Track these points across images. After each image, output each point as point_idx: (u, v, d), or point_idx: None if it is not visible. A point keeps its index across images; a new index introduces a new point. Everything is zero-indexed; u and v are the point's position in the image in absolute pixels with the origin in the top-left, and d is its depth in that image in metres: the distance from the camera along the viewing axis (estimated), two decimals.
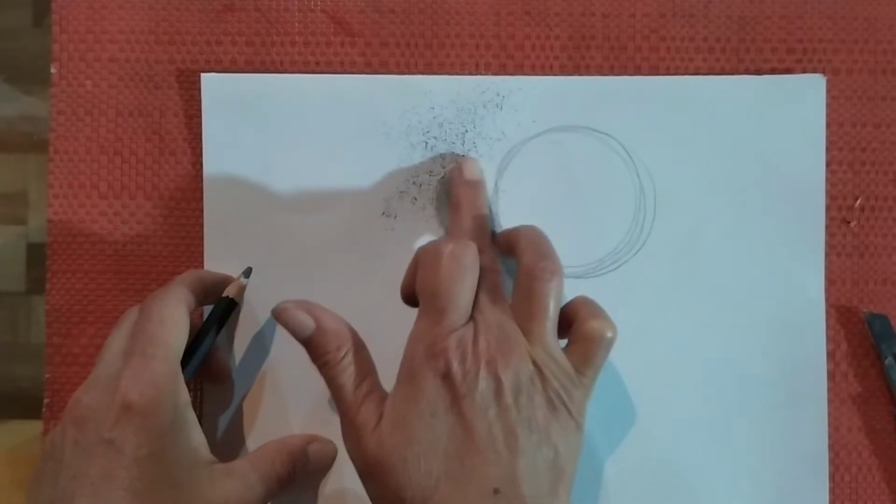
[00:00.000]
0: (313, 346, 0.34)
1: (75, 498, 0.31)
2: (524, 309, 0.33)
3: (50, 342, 0.40)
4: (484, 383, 0.31)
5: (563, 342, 0.34)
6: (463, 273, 0.33)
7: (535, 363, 0.32)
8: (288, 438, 0.36)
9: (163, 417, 0.32)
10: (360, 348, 0.34)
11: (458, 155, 0.40)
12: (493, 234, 0.38)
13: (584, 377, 0.33)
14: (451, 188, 0.39)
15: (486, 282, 0.34)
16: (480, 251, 0.35)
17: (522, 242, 0.35)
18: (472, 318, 0.33)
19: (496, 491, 0.30)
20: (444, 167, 0.40)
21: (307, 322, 0.34)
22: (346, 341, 0.34)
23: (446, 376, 0.31)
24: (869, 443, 0.39)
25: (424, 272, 0.33)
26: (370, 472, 0.32)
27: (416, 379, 0.32)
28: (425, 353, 0.32)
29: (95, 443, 0.31)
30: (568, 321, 0.34)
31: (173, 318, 0.34)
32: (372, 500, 0.32)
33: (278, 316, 0.34)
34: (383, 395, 0.33)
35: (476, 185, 0.38)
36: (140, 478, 0.31)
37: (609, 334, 0.33)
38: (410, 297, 0.35)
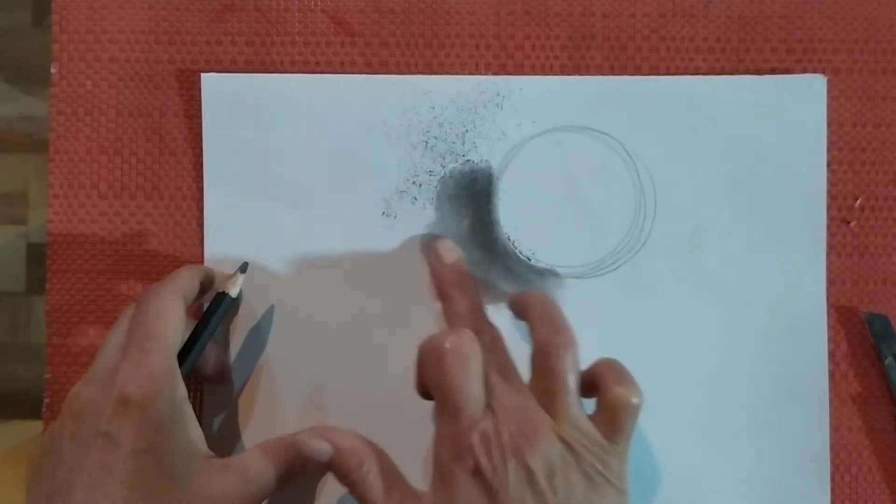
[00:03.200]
0: (336, 468, 0.34)
1: (73, 490, 0.31)
2: (544, 387, 0.33)
3: (50, 342, 0.40)
4: (514, 474, 0.31)
5: (592, 402, 0.34)
6: (466, 365, 0.33)
7: (563, 441, 0.32)
8: (288, 436, 0.36)
9: (160, 411, 0.32)
10: (381, 458, 0.34)
11: (428, 237, 0.39)
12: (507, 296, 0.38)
13: (617, 445, 0.33)
14: (432, 275, 0.38)
15: (494, 363, 0.34)
16: (479, 332, 0.34)
17: (534, 314, 0.35)
18: (488, 406, 0.33)
19: None
20: (444, 167, 0.40)
21: (324, 447, 0.34)
22: (366, 457, 0.34)
23: (476, 473, 0.31)
24: (869, 443, 0.39)
25: (429, 373, 0.33)
26: None
27: (449, 482, 0.32)
28: (451, 454, 0.32)
29: (93, 436, 0.32)
30: (593, 384, 0.34)
31: (169, 313, 0.34)
32: None
33: (299, 452, 0.34)
34: (416, 496, 0.33)
35: (457, 266, 0.38)
36: (137, 470, 0.31)
37: (635, 400, 0.33)
38: (426, 394, 0.35)
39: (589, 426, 0.33)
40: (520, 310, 0.37)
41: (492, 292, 0.39)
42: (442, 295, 0.37)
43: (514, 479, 0.31)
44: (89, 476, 0.31)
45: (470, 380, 0.32)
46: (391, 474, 0.34)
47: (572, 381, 0.33)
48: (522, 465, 0.31)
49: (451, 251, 0.38)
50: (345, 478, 0.34)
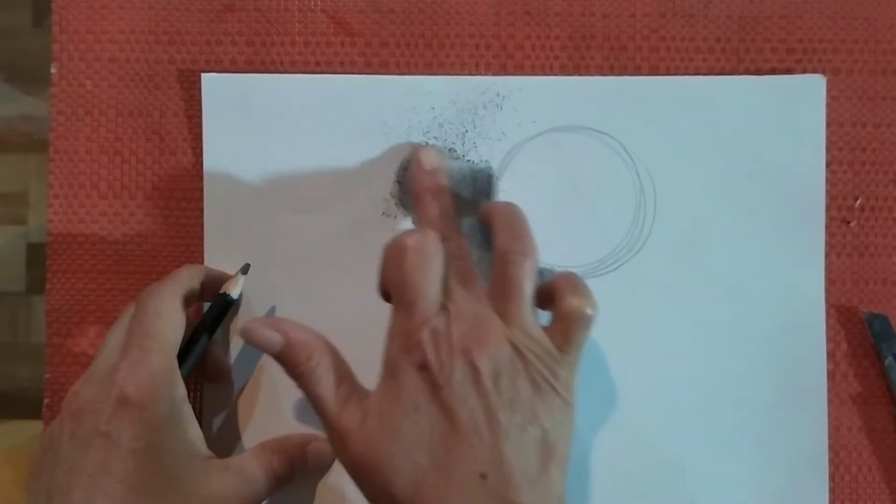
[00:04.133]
0: (284, 359, 0.33)
1: (72, 490, 0.31)
2: (500, 293, 0.33)
3: (50, 342, 0.40)
4: (460, 371, 0.31)
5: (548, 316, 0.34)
6: (426, 264, 0.33)
7: (513, 346, 0.32)
8: (288, 437, 0.36)
9: (159, 410, 0.32)
10: (332, 354, 0.34)
11: (413, 144, 0.39)
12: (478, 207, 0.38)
13: (568, 355, 0.33)
14: (411, 179, 0.38)
15: (455, 268, 0.34)
16: (446, 238, 0.34)
17: (496, 222, 0.35)
18: (444, 306, 0.33)
19: (483, 476, 0.30)
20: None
21: (274, 338, 0.33)
22: (316, 350, 0.33)
23: (423, 367, 0.31)
24: (869, 443, 0.39)
25: (389, 267, 0.33)
26: (360, 472, 0.32)
27: (396, 375, 0.32)
28: (400, 347, 0.32)
29: (92, 435, 0.32)
30: (550, 297, 0.34)
31: (169, 312, 0.34)
32: (367, 499, 0.32)
33: (245, 336, 0.34)
34: (364, 395, 0.33)
35: (436, 173, 0.38)
36: (136, 470, 0.31)
37: (588, 311, 0.33)
38: (387, 294, 0.35)
39: (540, 334, 0.33)
40: (486, 218, 0.36)
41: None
42: (416, 199, 0.37)
43: (459, 376, 0.31)
44: (88, 475, 0.31)
45: (428, 278, 0.32)
46: (341, 370, 0.33)
47: (527, 289, 0.33)
48: (469, 363, 0.31)
49: (431, 159, 0.38)
50: (293, 369, 0.33)
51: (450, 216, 0.37)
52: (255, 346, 0.34)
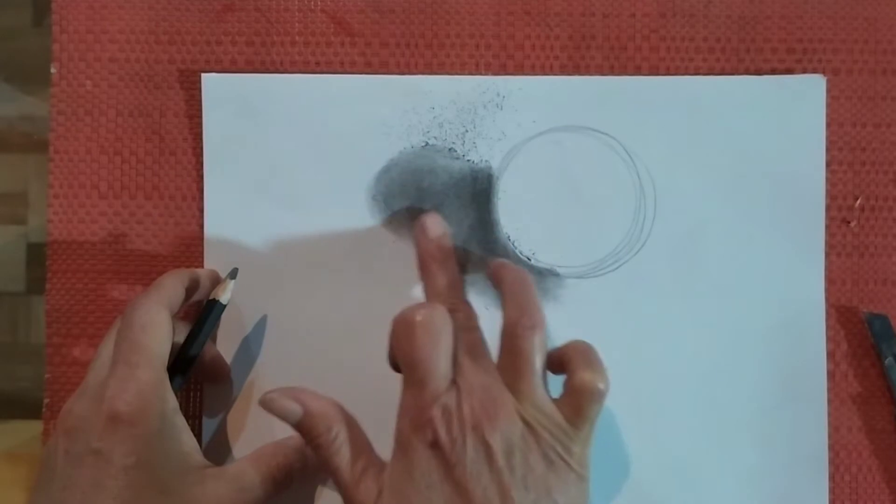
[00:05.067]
0: (304, 430, 0.34)
1: None
2: (510, 367, 0.33)
3: (50, 342, 0.40)
4: (473, 449, 0.31)
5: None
6: (435, 340, 0.32)
7: (525, 421, 0.32)
8: (286, 441, 0.36)
9: (150, 425, 0.32)
10: (351, 426, 0.34)
11: (415, 209, 0.39)
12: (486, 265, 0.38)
13: (580, 431, 0.32)
14: (416, 248, 0.38)
15: (464, 342, 0.34)
16: (454, 310, 0.34)
17: (505, 290, 0.35)
18: (454, 382, 0.33)
19: None
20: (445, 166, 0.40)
21: (294, 408, 0.34)
22: (335, 422, 0.33)
23: (435, 445, 0.31)
24: (869, 443, 0.39)
25: (398, 344, 0.33)
26: None
27: (408, 451, 0.32)
28: (412, 425, 0.32)
29: (84, 453, 0.32)
30: (562, 366, 0.34)
31: (154, 324, 0.34)
32: None
33: (265, 406, 0.34)
34: (380, 468, 0.33)
35: (441, 241, 0.37)
36: (128, 486, 0.31)
37: (601, 386, 0.33)
38: (397, 367, 0.34)
39: (552, 409, 0.32)
40: (495, 281, 0.36)
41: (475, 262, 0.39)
42: (423, 269, 0.37)
43: (472, 454, 0.31)
44: (82, 493, 0.31)
45: (438, 354, 0.32)
46: (359, 442, 0.34)
47: (538, 362, 0.33)
48: (482, 441, 0.31)
49: (437, 225, 0.37)
50: (312, 440, 0.33)
51: (457, 285, 0.37)
52: (275, 415, 0.34)
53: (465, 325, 0.35)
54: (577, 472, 0.32)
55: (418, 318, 0.33)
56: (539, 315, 0.34)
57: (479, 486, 0.31)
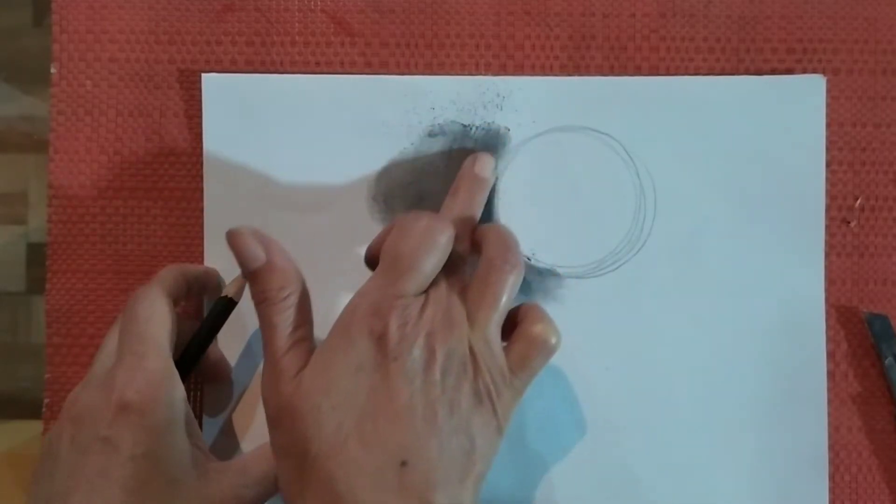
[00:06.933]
0: (258, 280, 0.33)
1: (71, 495, 0.31)
2: (475, 296, 0.33)
3: (50, 342, 0.40)
4: (418, 351, 0.31)
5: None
6: (433, 248, 0.32)
7: (471, 350, 0.32)
8: None
9: (159, 415, 0.32)
10: (304, 296, 0.33)
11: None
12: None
13: (517, 379, 0.32)
14: (459, 175, 0.38)
15: (451, 267, 0.34)
16: (459, 239, 0.34)
17: (491, 236, 0.34)
18: (425, 292, 0.33)
19: (404, 463, 0.29)
20: (444, 166, 0.40)
21: (258, 254, 0.33)
22: (291, 283, 0.33)
23: (382, 337, 0.31)
24: (869, 443, 0.40)
25: (396, 235, 0.33)
26: (281, 418, 0.31)
27: (351, 332, 0.31)
28: (368, 309, 0.31)
29: (92, 440, 0.32)
30: (513, 323, 0.33)
31: (158, 315, 0.34)
32: (276, 450, 0.32)
33: (231, 239, 0.33)
34: (313, 347, 0.32)
35: (482, 183, 0.37)
36: (135, 475, 0.31)
37: (553, 340, 0.33)
38: (374, 260, 0.34)
39: (499, 349, 0.32)
40: (479, 239, 0.35)
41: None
42: (451, 191, 0.37)
43: (416, 355, 0.31)
44: (88, 480, 0.31)
45: (427, 259, 0.32)
46: (306, 314, 0.33)
47: (504, 300, 0.32)
48: (429, 347, 0.31)
49: (487, 166, 0.38)
50: (261, 293, 0.33)
51: (470, 224, 0.36)
52: (235, 252, 0.33)
53: (460, 255, 0.34)
54: (499, 422, 0.32)
55: (429, 222, 0.33)
56: (521, 262, 0.33)
57: (408, 387, 0.30)
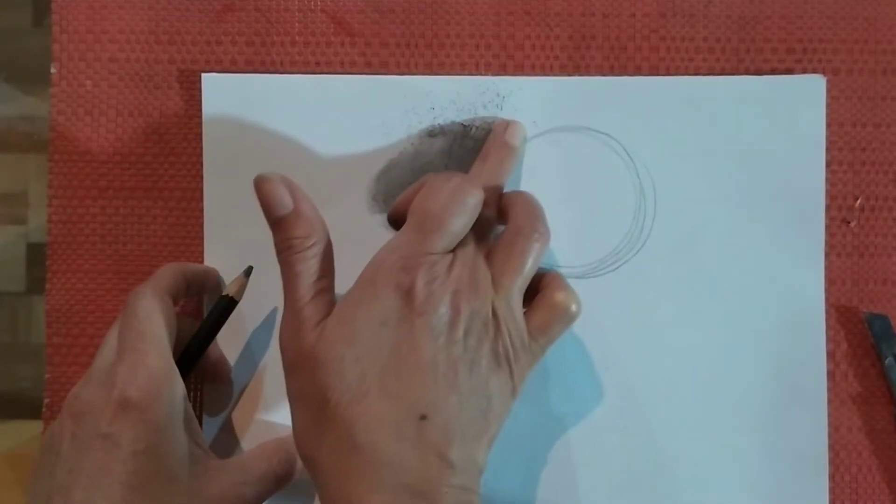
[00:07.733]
0: (283, 227, 0.32)
1: (72, 491, 0.31)
2: (502, 260, 0.33)
3: (50, 342, 0.40)
4: (444, 309, 0.31)
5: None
6: (463, 208, 0.32)
7: (494, 313, 0.32)
8: (287, 437, 0.36)
9: (160, 412, 0.32)
10: (328, 247, 0.33)
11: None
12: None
13: (536, 344, 0.33)
14: (488, 141, 0.38)
15: (478, 230, 0.34)
16: (486, 205, 0.34)
17: (518, 204, 0.35)
18: (452, 251, 0.33)
19: (423, 417, 0.30)
20: (445, 166, 0.40)
21: (286, 201, 0.32)
22: (317, 232, 0.32)
23: (409, 292, 0.31)
24: (869, 443, 0.40)
25: (427, 193, 0.33)
26: (301, 365, 0.31)
27: (377, 285, 0.31)
28: (397, 263, 0.32)
29: (93, 436, 0.32)
30: (534, 291, 0.34)
31: (159, 312, 0.34)
32: (292, 397, 0.32)
33: (260, 185, 0.32)
34: (335, 300, 0.32)
35: (511, 151, 0.38)
36: (136, 471, 0.31)
37: (573, 308, 0.33)
38: (399, 218, 0.34)
39: (520, 314, 0.33)
40: (506, 206, 0.35)
41: None
42: (481, 156, 0.37)
43: (441, 312, 0.31)
44: (88, 476, 0.31)
45: (457, 218, 0.32)
46: (329, 266, 0.33)
47: (529, 267, 0.33)
48: (455, 305, 0.31)
49: (518, 135, 0.38)
50: (286, 240, 0.32)
51: (498, 190, 0.36)
52: (262, 199, 0.32)
53: (488, 219, 0.35)
54: (514, 385, 0.32)
55: (456, 181, 0.33)
56: (548, 231, 0.34)
57: (432, 344, 0.30)
